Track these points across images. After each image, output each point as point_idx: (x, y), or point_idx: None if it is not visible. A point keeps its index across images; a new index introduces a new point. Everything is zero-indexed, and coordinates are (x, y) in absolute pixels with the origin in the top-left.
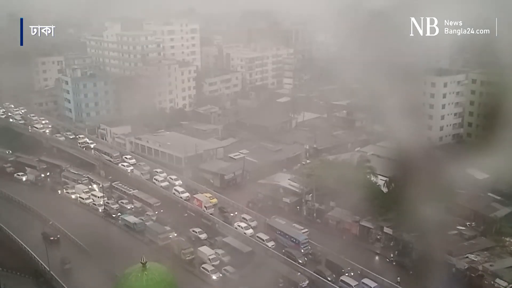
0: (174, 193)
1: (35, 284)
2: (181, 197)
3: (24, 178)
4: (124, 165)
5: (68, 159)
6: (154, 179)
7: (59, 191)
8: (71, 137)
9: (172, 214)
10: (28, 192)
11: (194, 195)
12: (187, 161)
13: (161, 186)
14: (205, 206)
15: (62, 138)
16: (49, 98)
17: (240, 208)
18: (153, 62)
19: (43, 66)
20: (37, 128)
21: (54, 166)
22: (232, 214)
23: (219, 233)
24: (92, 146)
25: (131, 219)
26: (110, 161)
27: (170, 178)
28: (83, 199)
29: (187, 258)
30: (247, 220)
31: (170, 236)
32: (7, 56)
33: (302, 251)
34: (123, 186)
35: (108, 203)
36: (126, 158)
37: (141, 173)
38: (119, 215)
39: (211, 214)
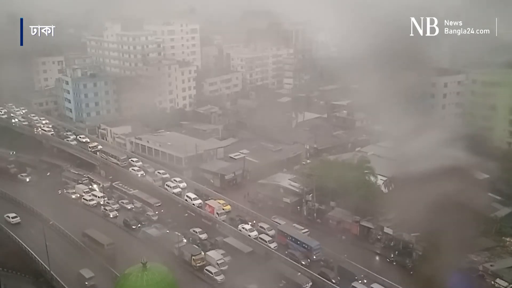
0: (186, 200)
1: (35, 284)
2: (193, 204)
3: (27, 179)
4: (134, 170)
5: (69, 159)
6: (166, 185)
7: (60, 191)
8: (71, 137)
9: (172, 214)
10: (32, 193)
11: (206, 201)
12: (187, 161)
13: (173, 193)
14: (217, 213)
15: (74, 143)
16: (49, 98)
17: (254, 215)
18: (153, 62)
19: (43, 66)
20: (45, 130)
21: (56, 166)
22: (250, 223)
23: (219, 233)
24: (98, 148)
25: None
26: (116, 164)
27: (175, 180)
28: (86, 200)
29: (198, 264)
30: (265, 229)
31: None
32: (7, 56)
33: (314, 257)
34: (123, 186)
35: (108, 203)
36: (134, 162)
37: (154, 180)
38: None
39: (224, 221)
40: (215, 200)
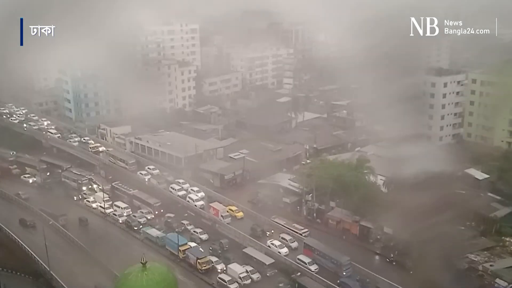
0: (188, 201)
1: (35, 284)
2: (195, 205)
3: (30, 180)
4: (142, 174)
5: (69, 159)
6: (171, 187)
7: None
8: (76, 139)
9: (176, 216)
10: (37, 193)
11: (210, 204)
12: (187, 161)
13: (178, 196)
14: (221, 216)
15: (76, 144)
16: (49, 98)
17: (273, 225)
18: (153, 62)
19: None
20: (51, 133)
21: (57, 167)
22: (268, 233)
23: (219, 234)
24: (101, 149)
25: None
26: (125, 168)
27: (192, 190)
28: (103, 208)
29: (203, 268)
30: (287, 241)
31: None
32: (7, 56)
33: (344, 273)
34: (123, 186)
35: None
36: (149, 168)
37: (158, 182)
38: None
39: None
40: (226, 206)
